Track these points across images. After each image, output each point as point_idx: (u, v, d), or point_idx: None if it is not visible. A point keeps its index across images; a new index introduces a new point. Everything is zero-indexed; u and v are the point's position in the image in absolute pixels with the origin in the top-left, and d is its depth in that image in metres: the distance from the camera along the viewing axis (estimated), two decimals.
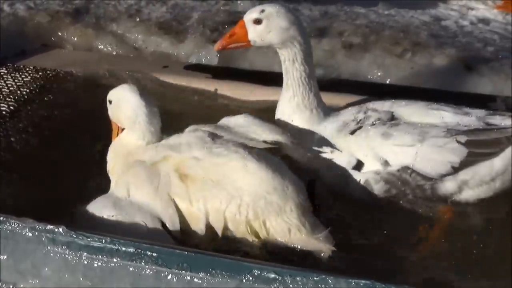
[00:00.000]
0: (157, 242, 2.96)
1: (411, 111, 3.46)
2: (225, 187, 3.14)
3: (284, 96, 3.58)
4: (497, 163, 3.31)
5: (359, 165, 3.38)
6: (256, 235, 3.13)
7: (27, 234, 3.03)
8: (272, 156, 3.27)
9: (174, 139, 3.38)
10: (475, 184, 3.34)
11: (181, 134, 3.42)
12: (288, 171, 3.22)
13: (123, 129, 3.52)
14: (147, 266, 2.88)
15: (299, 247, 3.10)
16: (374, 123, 3.42)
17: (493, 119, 3.39)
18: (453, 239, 3.29)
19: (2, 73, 4.62)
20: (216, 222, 3.15)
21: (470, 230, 3.33)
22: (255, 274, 2.70)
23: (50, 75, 4.60)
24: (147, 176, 3.25)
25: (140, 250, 2.89)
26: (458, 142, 3.27)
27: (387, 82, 4.53)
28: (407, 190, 3.33)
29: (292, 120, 3.57)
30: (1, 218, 3.07)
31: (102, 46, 4.93)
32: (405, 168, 3.31)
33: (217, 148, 3.24)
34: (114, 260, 2.92)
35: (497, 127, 3.32)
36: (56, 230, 2.98)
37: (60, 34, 5.15)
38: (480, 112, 3.44)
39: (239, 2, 5.84)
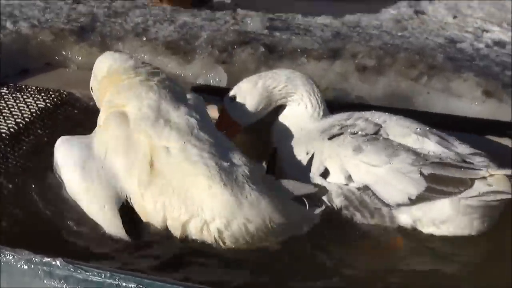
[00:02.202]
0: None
1: (398, 130, 3.38)
2: (185, 202, 3.05)
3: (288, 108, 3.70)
4: (447, 207, 3.16)
5: (325, 173, 3.32)
6: (224, 243, 3.06)
7: (22, 266, 2.88)
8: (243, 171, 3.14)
9: (170, 106, 3.34)
10: (427, 223, 3.22)
11: (182, 105, 3.37)
12: (257, 188, 3.08)
13: None
14: None
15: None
16: (356, 132, 3.37)
17: (472, 158, 3.22)
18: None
19: (2, 93, 4.48)
20: (174, 229, 3.10)
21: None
22: None
23: (53, 95, 4.45)
24: (125, 146, 3.21)
25: (141, 286, 2.74)
26: (421, 173, 3.14)
27: (402, 107, 4.37)
28: (365, 211, 3.25)
29: (291, 119, 3.65)
30: None
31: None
32: (365, 188, 3.23)
33: (192, 148, 3.14)
34: None
35: (466, 166, 3.15)
36: (53, 263, 2.84)
37: (64, 53, 5.00)
38: (465, 149, 3.29)
39: (248, 21, 5.70)
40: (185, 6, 6.22)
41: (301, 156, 3.43)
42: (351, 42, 5.16)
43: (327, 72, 4.63)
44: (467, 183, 3.08)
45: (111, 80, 3.48)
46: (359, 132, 3.37)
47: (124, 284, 2.74)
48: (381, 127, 3.40)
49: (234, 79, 4.63)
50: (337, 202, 3.29)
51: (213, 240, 3.05)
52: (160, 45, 5.01)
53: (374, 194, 3.22)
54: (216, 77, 4.68)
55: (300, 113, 3.62)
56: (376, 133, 3.37)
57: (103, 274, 2.77)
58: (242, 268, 3.10)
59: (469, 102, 4.37)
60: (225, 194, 3.01)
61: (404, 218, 3.24)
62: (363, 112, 3.54)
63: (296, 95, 3.63)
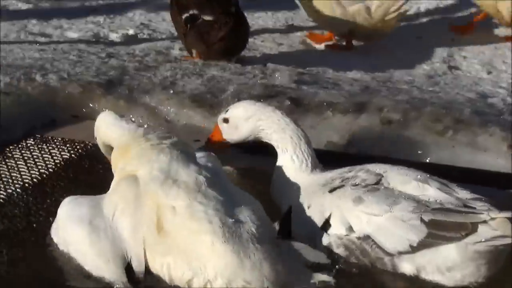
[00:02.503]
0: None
1: (399, 178, 3.38)
2: (189, 260, 3.04)
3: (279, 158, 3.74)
4: (453, 253, 3.11)
5: (326, 226, 3.32)
6: None
7: None
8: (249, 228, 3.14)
9: (174, 160, 3.39)
10: (432, 271, 3.17)
11: (192, 164, 3.41)
12: (262, 248, 3.07)
13: None
14: None
15: None
16: (357, 183, 3.36)
17: (473, 203, 3.18)
18: None
19: (29, 144, 4.54)
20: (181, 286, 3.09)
21: None
22: None
23: (78, 147, 4.50)
24: (133, 206, 3.24)
25: None
26: (421, 220, 3.11)
27: (427, 161, 4.35)
28: (366, 260, 3.23)
29: (283, 172, 3.71)
30: None
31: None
32: (366, 238, 3.21)
33: (198, 205, 3.15)
34: None
35: (467, 210, 3.11)
36: None
37: (91, 105, 5.07)
38: (466, 194, 3.27)
39: (277, 75, 5.71)
40: (214, 58, 6.27)
41: (301, 209, 3.44)
42: (377, 96, 5.15)
43: (351, 126, 4.63)
44: (468, 228, 3.04)
45: (121, 152, 3.57)
46: (360, 183, 3.37)
47: None
48: (382, 176, 3.39)
49: None
50: (338, 252, 3.28)
51: None
52: (186, 98, 5.05)
53: (375, 243, 3.20)
54: None
55: (289, 166, 3.68)
56: (377, 183, 3.36)
57: None
58: None
59: (495, 157, 4.33)
60: (227, 252, 3.01)
61: (407, 266, 3.19)
62: (365, 164, 3.54)
63: (281, 146, 3.71)
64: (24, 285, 3.12)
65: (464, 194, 3.27)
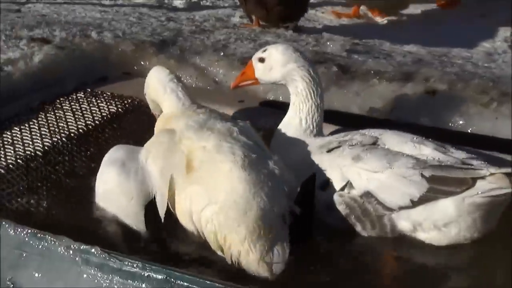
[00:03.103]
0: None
1: (395, 140, 3.39)
2: (207, 188, 3.10)
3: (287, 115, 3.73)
4: (450, 207, 3.12)
5: (325, 184, 3.32)
6: (220, 249, 3.06)
7: (62, 252, 2.98)
8: (272, 172, 3.19)
9: (212, 118, 3.47)
10: (428, 227, 3.19)
11: (220, 119, 3.48)
12: (275, 192, 3.10)
13: None
14: None
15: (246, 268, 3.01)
16: (353, 144, 3.39)
17: (471, 161, 3.20)
18: None
19: (79, 97, 4.65)
20: (193, 224, 3.17)
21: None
22: None
23: (125, 102, 4.60)
24: (166, 151, 3.33)
25: (170, 278, 2.80)
26: (422, 176, 3.14)
27: (469, 131, 4.32)
28: (367, 221, 3.25)
29: (284, 133, 3.72)
30: (39, 234, 3.04)
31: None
32: (367, 194, 3.23)
33: (226, 144, 3.23)
34: (144, 286, 2.84)
35: (466, 167, 3.12)
36: (91, 250, 2.93)
37: (142, 63, 5.15)
38: (462, 154, 3.28)
39: (328, 43, 5.73)
40: (273, 24, 6.32)
41: (301, 169, 3.39)
42: (427, 67, 5.12)
43: (396, 94, 4.61)
44: (468, 183, 3.06)
45: (163, 118, 3.70)
46: (357, 144, 3.39)
47: (154, 275, 2.82)
48: (378, 138, 3.42)
49: None
50: (340, 210, 3.29)
51: (220, 224, 3.05)
52: (236, 60, 5.09)
53: (376, 199, 3.21)
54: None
55: (294, 126, 3.68)
56: (374, 144, 3.39)
57: (135, 265, 2.85)
58: None
59: None
60: (240, 179, 3.07)
61: (405, 224, 3.22)
62: (360, 130, 3.56)
63: (298, 103, 3.69)
64: (61, 228, 3.20)
65: (460, 154, 3.29)
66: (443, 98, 4.58)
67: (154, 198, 3.27)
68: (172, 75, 3.76)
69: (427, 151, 3.29)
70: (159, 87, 3.74)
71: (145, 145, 3.52)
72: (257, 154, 3.23)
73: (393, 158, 3.24)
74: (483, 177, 3.06)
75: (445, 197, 3.11)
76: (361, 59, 5.30)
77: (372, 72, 4.93)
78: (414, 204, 3.16)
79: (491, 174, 3.04)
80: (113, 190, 3.37)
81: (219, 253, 3.07)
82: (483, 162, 3.19)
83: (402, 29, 7.12)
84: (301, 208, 3.13)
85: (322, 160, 3.40)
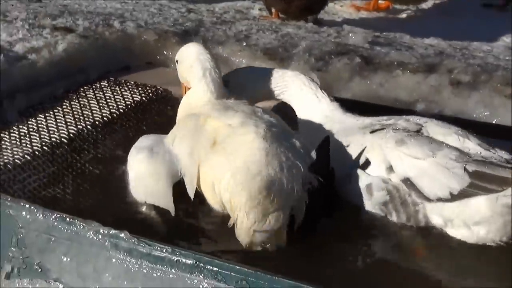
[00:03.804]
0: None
1: (440, 130, 3.33)
2: (228, 158, 3.11)
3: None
4: (483, 206, 3.05)
5: (366, 165, 3.29)
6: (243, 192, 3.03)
7: (91, 237, 2.99)
8: (295, 146, 3.19)
9: (239, 103, 3.45)
10: (458, 224, 3.14)
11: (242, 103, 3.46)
12: (292, 165, 3.07)
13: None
14: (205, 281, 2.80)
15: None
16: (397, 129, 3.33)
17: None
18: None
19: (102, 86, 4.66)
20: (218, 193, 3.16)
21: None
22: None
23: (149, 91, 4.60)
24: (193, 131, 3.32)
25: (199, 263, 2.80)
26: (465, 169, 3.07)
27: (494, 122, 4.31)
28: (402, 210, 3.21)
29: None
30: (68, 219, 3.05)
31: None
32: (407, 180, 3.18)
33: (250, 120, 3.23)
34: (173, 271, 2.84)
35: (510, 166, 3.04)
36: (120, 235, 2.93)
37: (165, 52, 5.15)
38: (505, 154, 3.19)
39: (350, 35, 5.73)
40: (293, 16, 6.32)
41: (339, 147, 3.39)
42: (449, 59, 5.12)
43: (420, 85, 4.62)
44: (510, 182, 2.97)
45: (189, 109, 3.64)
46: (400, 129, 3.34)
47: (184, 260, 2.82)
48: (422, 126, 3.36)
49: (327, 87, 4.65)
50: (377, 196, 3.24)
51: (233, 193, 3.05)
52: (258, 51, 5.10)
53: (414, 187, 3.16)
54: None
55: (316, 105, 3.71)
56: (418, 131, 3.33)
57: (164, 249, 2.85)
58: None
59: None
60: (260, 148, 3.07)
61: (437, 219, 3.17)
62: (404, 116, 3.52)
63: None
64: (86, 212, 3.20)
65: (503, 154, 3.20)
66: (467, 89, 4.58)
67: (182, 179, 3.27)
68: (212, 62, 3.64)
69: (471, 145, 3.23)
70: (197, 70, 3.61)
71: (170, 131, 3.53)
72: (280, 130, 3.25)
73: (437, 147, 3.18)
74: None
75: (482, 195, 3.05)
76: (383, 51, 5.29)
77: (395, 63, 4.93)
78: (453, 197, 3.09)
79: None
80: (142, 174, 3.37)
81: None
82: None
83: (421, 23, 7.15)
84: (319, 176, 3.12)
85: (365, 139, 3.35)
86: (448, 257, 3.15)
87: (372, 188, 3.25)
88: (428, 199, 3.15)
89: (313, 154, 3.18)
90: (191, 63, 3.64)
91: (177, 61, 3.76)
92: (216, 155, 3.16)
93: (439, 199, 3.12)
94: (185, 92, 3.75)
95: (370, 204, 3.27)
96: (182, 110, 3.67)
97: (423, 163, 3.15)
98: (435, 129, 3.34)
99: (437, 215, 3.16)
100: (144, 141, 3.53)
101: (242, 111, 3.33)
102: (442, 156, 3.14)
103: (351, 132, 3.46)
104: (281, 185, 2.99)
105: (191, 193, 3.22)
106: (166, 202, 3.25)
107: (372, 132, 3.38)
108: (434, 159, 3.14)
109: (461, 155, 3.14)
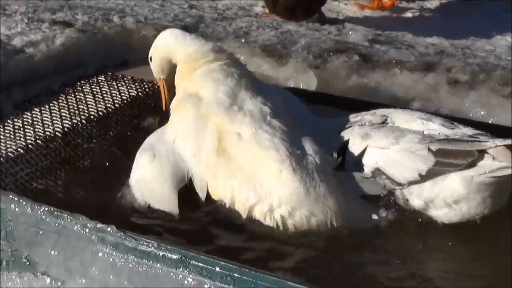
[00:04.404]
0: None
1: (404, 118, 3.40)
2: (254, 186, 3.09)
3: None
4: (458, 186, 3.09)
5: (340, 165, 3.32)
6: (285, 227, 3.09)
7: (78, 230, 2.99)
8: (314, 150, 3.22)
9: (247, 95, 3.39)
10: (439, 204, 3.17)
11: (260, 95, 3.41)
12: (325, 171, 3.16)
13: (169, 86, 3.77)
14: (190, 276, 2.80)
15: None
16: (363, 124, 3.41)
17: (477, 135, 3.18)
18: None
19: (99, 80, 4.65)
20: (241, 211, 3.15)
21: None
22: None
23: (146, 86, 4.59)
24: (195, 129, 3.28)
25: (185, 258, 2.79)
26: (429, 149, 3.12)
27: (490, 121, 4.30)
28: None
29: None
30: (56, 212, 3.05)
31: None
32: (377, 170, 3.24)
33: (264, 133, 3.18)
34: (158, 266, 2.84)
35: (472, 139, 3.10)
36: (107, 229, 2.93)
37: None
38: (469, 130, 3.26)
39: (350, 33, 5.72)
40: (293, 19, 6.30)
41: None
42: (449, 58, 5.10)
43: (417, 84, 4.61)
44: (474, 154, 3.02)
45: (188, 66, 3.52)
46: (366, 124, 3.41)
47: (169, 255, 2.82)
48: (387, 117, 3.43)
49: (324, 84, 4.67)
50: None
51: (275, 226, 3.09)
52: (257, 47, 5.09)
53: (385, 175, 3.21)
54: (306, 81, 4.71)
55: None
56: (383, 122, 3.41)
57: (150, 244, 2.85)
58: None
59: None
60: (294, 181, 3.05)
61: (416, 201, 3.20)
62: (371, 110, 3.58)
63: None
64: (77, 206, 3.20)
65: (467, 130, 3.27)
66: (464, 89, 4.57)
67: (189, 182, 3.26)
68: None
69: (434, 126, 3.30)
70: (172, 40, 3.59)
71: (170, 119, 3.51)
72: (297, 144, 3.22)
73: (400, 134, 3.25)
74: (488, 153, 3.02)
75: (453, 171, 3.08)
76: (383, 49, 5.28)
77: (394, 61, 4.92)
78: (422, 178, 3.14)
79: (496, 146, 3.00)
80: (145, 176, 3.33)
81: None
82: (489, 136, 3.17)
83: (425, 22, 7.13)
84: None
85: (333, 140, 3.42)
86: (444, 259, 3.17)
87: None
88: (400, 184, 3.20)
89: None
90: (165, 41, 3.63)
91: (150, 59, 3.77)
92: (234, 175, 3.15)
93: (410, 182, 3.17)
94: (163, 88, 3.83)
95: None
96: (178, 79, 3.60)
97: (389, 152, 3.22)
98: (399, 117, 3.41)
99: (416, 197, 3.20)
100: (148, 140, 3.48)
101: (249, 113, 3.27)
102: (406, 141, 3.20)
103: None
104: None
105: (202, 197, 3.22)
106: (171, 206, 3.23)
107: (339, 132, 3.45)
108: (399, 145, 3.20)
109: (424, 137, 3.20)
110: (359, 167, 3.29)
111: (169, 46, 3.62)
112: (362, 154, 3.29)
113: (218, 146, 3.20)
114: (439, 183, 3.14)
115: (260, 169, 3.11)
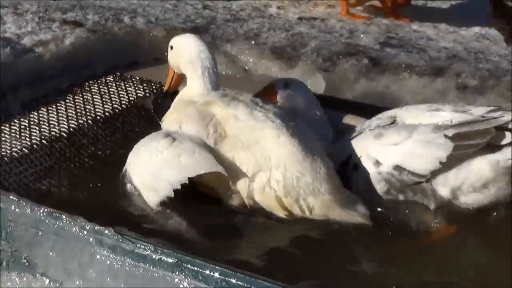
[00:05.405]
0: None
1: (412, 114, 3.42)
2: (255, 154, 3.19)
3: None
4: (486, 168, 3.14)
5: (355, 167, 3.36)
6: (286, 210, 3.16)
7: (76, 232, 3.00)
8: (306, 132, 3.34)
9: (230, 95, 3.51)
10: (467, 190, 3.19)
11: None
12: (320, 149, 3.28)
13: (178, 76, 3.87)
14: (186, 280, 2.80)
15: (337, 220, 3.19)
16: (373, 128, 3.42)
17: (492, 113, 3.20)
18: None
19: (108, 81, 4.66)
20: (242, 189, 3.22)
21: None
22: None
23: (154, 87, 4.60)
24: (199, 115, 3.37)
25: (181, 262, 2.79)
26: (446, 136, 3.15)
27: None
28: (408, 190, 3.26)
29: None
30: (55, 214, 3.06)
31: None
32: (397, 167, 3.24)
33: (258, 112, 3.29)
34: (155, 269, 2.84)
35: (487, 117, 3.14)
36: (104, 232, 2.94)
37: None
38: (481, 110, 3.28)
39: (362, 36, 5.69)
40: None
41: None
42: (459, 63, 5.07)
43: (425, 88, 4.60)
44: (492, 131, 3.08)
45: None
46: (376, 126, 3.43)
47: (165, 259, 2.82)
48: (396, 117, 3.45)
49: (332, 87, 4.65)
50: (379, 188, 3.29)
51: (273, 196, 3.16)
52: (267, 49, 5.09)
53: (406, 170, 3.22)
54: (315, 84, 4.69)
55: None
56: (392, 123, 3.42)
57: (147, 248, 2.86)
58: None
59: None
60: (292, 143, 3.18)
61: (443, 190, 3.21)
62: (375, 115, 3.59)
63: None
64: (81, 209, 3.21)
65: (478, 110, 3.29)
66: (473, 94, 4.55)
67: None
68: (213, 61, 3.67)
69: (445, 113, 3.31)
70: (197, 67, 3.63)
71: (166, 117, 3.61)
72: (289, 119, 3.36)
73: (412, 128, 3.27)
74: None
75: (474, 155, 3.13)
76: (393, 53, 5.26)
77: (403, 65, 4.91)
78: (444, 165, 3.16)
79: None
80: (167, 158, 3.30)
81: (281, 214, 3.19)
82: (503, 111, 3.20)
83: (440, 25, 7.04)
84: None
85: (347, 147, 3.43)
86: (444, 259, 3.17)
87: (372, 182, 3.32)
88: (423, 176, 3.21)
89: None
90: (191, 59, 3.66)
91: (171, 47, 3.82)
92: (230, 146, 3.26)
93: (433, 172, 3.19)
94: (172, 76, 3.90)
95: (376, 199, 3.33)
96: (175, 105, 3.71)
97: (405, 146, 3.24)
98: (408, 115, 3.43)
99: (442, 186, 3.21)
100: (142, 141, 3.48)
101: (242, 101, 3.39)
102: (419, 133, 3.23)
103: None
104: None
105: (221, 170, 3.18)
106: (213, 165, 3.18)
107: (352, 138, 3.46)
108: (413, 138, 3.22)
109: (437, 126, 3.22)
110: (378, 166, 3.29)
111: (186, 64, 3.69)
112: (377, 153, 3.31)
113: (220, 131, 3.30)
114: (465, 170, 3.17)
115: (259, 139, 3.22)
